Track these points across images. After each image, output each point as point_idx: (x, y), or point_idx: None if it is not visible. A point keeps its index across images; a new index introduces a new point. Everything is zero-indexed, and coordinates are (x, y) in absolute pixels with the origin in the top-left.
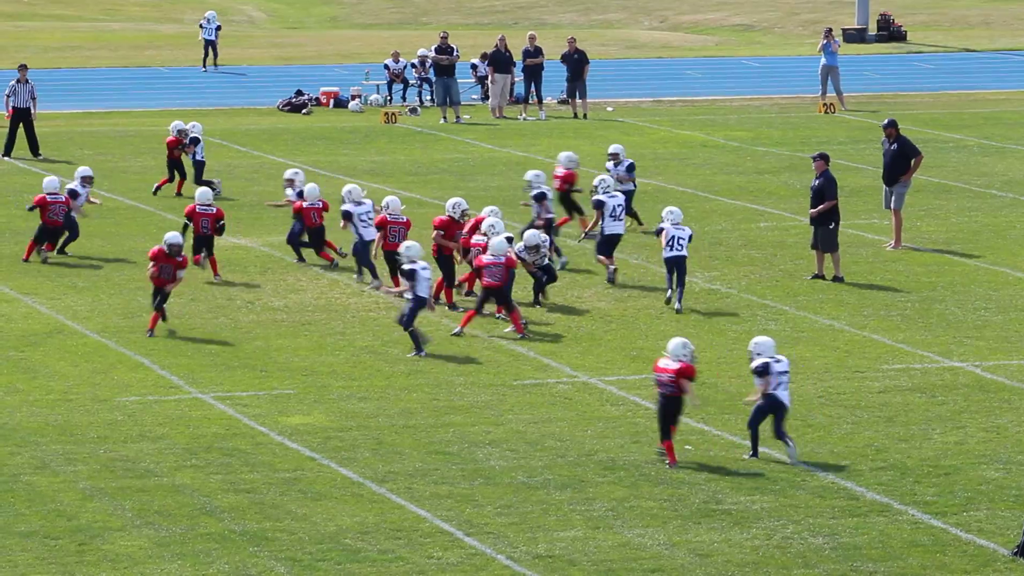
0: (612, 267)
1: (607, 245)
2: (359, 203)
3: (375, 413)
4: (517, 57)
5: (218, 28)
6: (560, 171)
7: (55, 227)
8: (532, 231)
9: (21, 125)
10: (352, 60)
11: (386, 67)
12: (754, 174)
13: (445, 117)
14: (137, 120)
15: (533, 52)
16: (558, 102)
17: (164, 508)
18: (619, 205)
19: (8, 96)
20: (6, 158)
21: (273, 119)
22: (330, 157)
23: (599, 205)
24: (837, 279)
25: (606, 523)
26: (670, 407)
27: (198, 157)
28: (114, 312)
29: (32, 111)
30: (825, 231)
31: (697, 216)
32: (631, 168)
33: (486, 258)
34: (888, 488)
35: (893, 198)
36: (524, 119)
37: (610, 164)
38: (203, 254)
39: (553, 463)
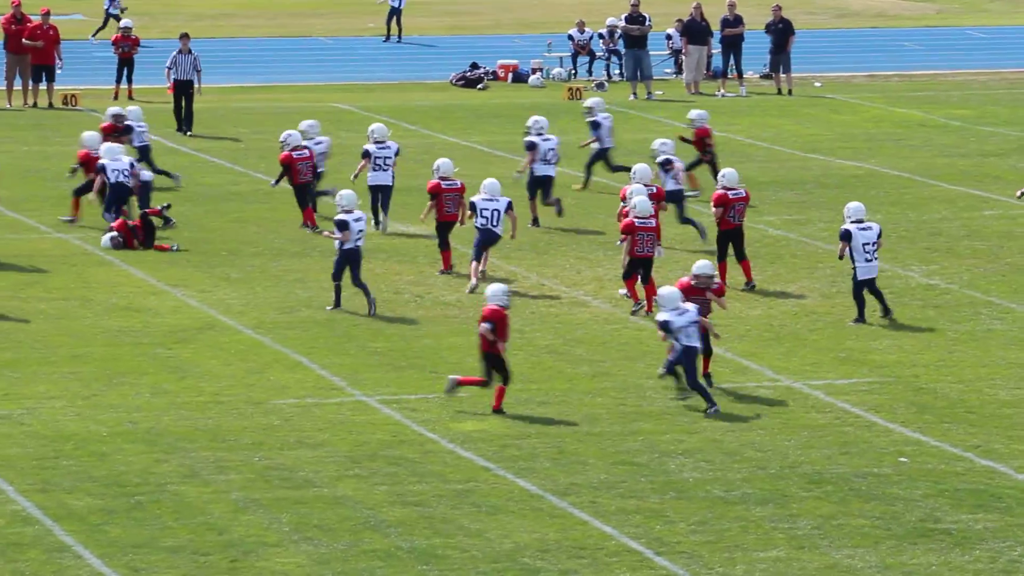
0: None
1: (535, 186)
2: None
3: (556, 419)
4: (715, 27)
5: None
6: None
7: (304, 184)
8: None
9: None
10: (533, 30)
11: (570, 37)
12: (978, 157)
13: (635, 93)
14: (296, 95)
15: (733, 21)
16: (760, 77)
17: (324, 522)
18: (552, 149)
19: (169, 68)
20: (187, 133)
21: (445, 95)
22: (507, 136)
23: (531, 147)
24: None
25: (811, 543)
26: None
27: (136, 143)
28: (270, 306)
29: (195, 84)
30: None
31: (914, 203)
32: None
33: (639, 223)
34: None
35: None
36: (722, 95)
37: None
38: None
39: (752, 476)
